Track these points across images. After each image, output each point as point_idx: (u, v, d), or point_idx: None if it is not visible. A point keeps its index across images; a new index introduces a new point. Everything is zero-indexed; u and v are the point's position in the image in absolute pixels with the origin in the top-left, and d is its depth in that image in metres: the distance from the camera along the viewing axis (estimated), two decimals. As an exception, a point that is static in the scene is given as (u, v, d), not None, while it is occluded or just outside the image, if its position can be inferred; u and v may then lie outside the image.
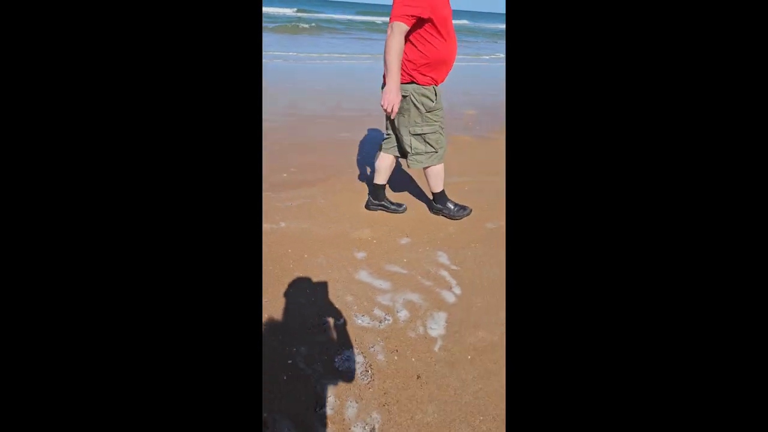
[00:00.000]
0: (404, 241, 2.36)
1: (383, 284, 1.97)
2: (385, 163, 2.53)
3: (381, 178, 2.57)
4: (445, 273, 2.08)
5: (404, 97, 2.21)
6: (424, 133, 2.31)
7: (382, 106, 2.16)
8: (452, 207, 2.59)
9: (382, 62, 2.14)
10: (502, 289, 2.00)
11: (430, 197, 2.67)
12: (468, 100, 6.17)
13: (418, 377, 1.47)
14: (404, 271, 2.08)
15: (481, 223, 2.59)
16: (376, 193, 2.62)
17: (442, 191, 2.56)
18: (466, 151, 3.92)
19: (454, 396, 1.40)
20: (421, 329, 1.70)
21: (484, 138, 4.41)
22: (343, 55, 10.65)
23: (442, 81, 2.28)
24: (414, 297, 1.89)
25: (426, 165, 2.41)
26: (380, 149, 2.57)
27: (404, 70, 2.16)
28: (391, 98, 2.12)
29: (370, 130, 4.35)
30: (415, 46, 2.14)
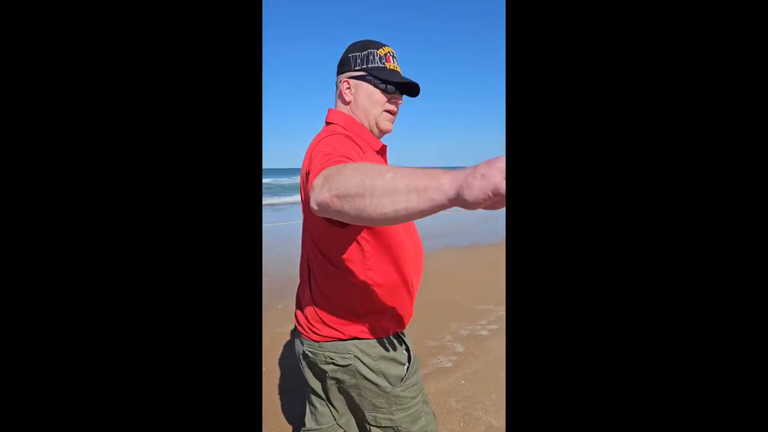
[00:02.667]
0: None
1: None
2: None
3: None
4: None
5: (343, 367, 1.07)
6: (397, 427, 1.10)
7: (470, 201, 0.58)
8: None
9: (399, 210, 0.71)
10: None
11: None
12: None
13: None
14: None
15: None
16: None
17: None
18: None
19: None
20: None
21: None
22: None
23: (409, 320, 1.15)
24: None
25: None
26: None
27: (327, 324, 1.07)
28: (490, 180, 0.57)
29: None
30: (343, 274, 1.03)
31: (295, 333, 1.22)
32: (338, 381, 1.10)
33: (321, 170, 0.77)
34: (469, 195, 0.57)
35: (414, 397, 1.11)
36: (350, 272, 1.02)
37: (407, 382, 1.09)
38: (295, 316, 1.17)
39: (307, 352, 1.12)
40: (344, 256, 1.01)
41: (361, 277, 1.02)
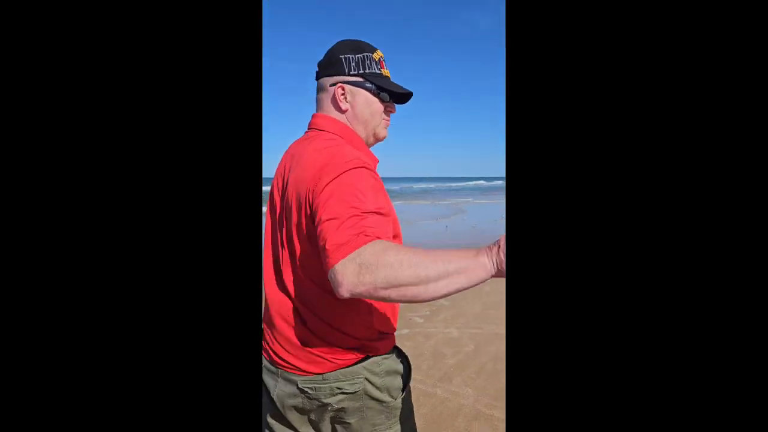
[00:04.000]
0: None
1: None
2: None
3: None
4: None
5: (352, 394, 1.00)
6: None
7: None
8: None
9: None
10: None
11: None
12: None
13: None
14: None
15: None
16: None
17: None
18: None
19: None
20: None
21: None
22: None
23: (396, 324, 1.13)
24: None
25: None
26: None
27: (332, 353, 0.98)
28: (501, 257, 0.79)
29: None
30: (345, 302, 0.95)
31: (270, 374, 1.03)
32: (340, 412, 0.99)
33: (349, 251, 0.73)
34: (504, 268, 0.71)
35: (408, 407, 1.08)
36: (352, 300, 0.90)
37: (406, 390, 1.05)
38: (274, 354, 1.00)
39: (305, 389, 0.97)
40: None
41: (364, 301, 0.96)
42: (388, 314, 1.04)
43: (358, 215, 0.78)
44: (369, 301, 0.97)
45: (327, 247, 0.75)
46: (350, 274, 0.71)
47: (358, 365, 0.98)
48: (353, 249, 0.73)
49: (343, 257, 0.73)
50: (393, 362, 1.04)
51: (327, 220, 0.78)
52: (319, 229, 0.79)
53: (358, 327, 0.97)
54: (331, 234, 0.76)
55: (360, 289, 0.71)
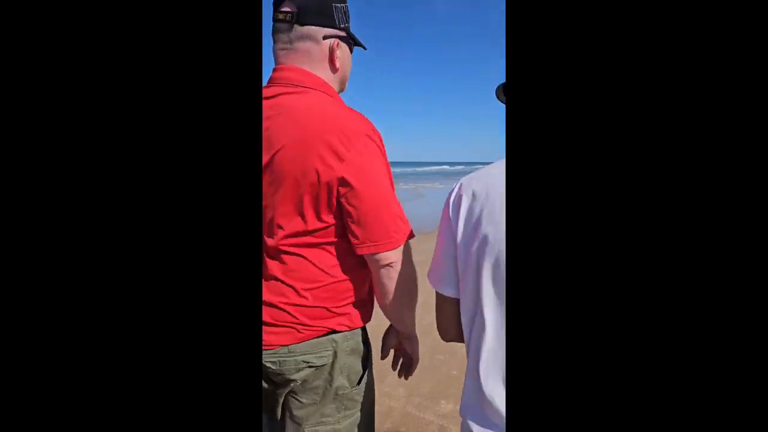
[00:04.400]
0: None
1: None
2: None
3: None
4: None
5: (319, 368, 0.95)
6: None
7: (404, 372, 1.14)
8: None
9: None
10: None
11: None
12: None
13: None
14: None
15: None
16: None
17: None
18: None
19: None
20: None
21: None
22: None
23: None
24: None
25: None
26: None
27: (308, 321, 0.93)
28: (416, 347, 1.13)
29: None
30: (327, 275, 0.94)
31: None
32: (299, 393, 0.94)
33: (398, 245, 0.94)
34: (408, 345, 1.11)
35: (362, 402, 1.01)
36: (334, 274, 0.94)
37: (364, 380, 1.02)
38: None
39: (267, 364, 0.91)
40: (335, 263, 0.94)
41: (343, 275, 0.96)
42: (366, 284, 1.01)
43: (403, 222, 0.95)
44: (348, 267, 0.95)
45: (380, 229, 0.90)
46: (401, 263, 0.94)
47: (327, 337, 0.94)
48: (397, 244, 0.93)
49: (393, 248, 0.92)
50: (359, 340, 1.01)
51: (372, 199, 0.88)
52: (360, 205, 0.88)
53: (336, 296, 0.94)
54: (388, 239, 0.91)
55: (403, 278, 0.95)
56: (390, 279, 0.94)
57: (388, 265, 0.92)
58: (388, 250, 0.91)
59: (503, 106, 0.78)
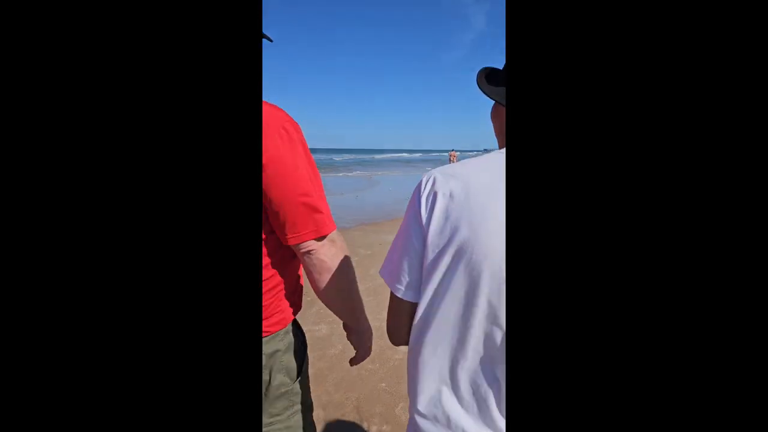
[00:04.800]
0: None
1: None
2: None
3: None
4: None
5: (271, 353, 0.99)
6: None
7: (354, 363, 1.15)
8: None
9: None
10: None
11: None
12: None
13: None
14: None
15: None
16: None
17: None
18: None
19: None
20: None
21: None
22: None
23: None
24: None
25: None
26: None
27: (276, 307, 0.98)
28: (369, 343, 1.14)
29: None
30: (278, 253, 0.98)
31: None
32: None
33: (328, 231, 0.94)
34: (353, 337, 1.09)
35: (302, 392, 1.04)
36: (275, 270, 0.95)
37: (303, 371, 1.03)
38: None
39: None
40: (267, 262, 0.93)
41: (272, 269, 0.95)
42: (294, 276, 1.00)
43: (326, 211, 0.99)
44: (276, 261, 0.94)
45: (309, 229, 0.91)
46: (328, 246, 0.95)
47: (263, 340, 0.94)
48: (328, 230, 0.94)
49: (318, 235, 0.92)
50: (293, 337, 1.01)
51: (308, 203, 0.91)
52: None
53: (265, 290, 0.93)
54: (315, 226, 0.92)
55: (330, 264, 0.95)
56: (319, 270, 0.93)
57: (313, 253, 0.92)
58: (312, 239, 0.91)
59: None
